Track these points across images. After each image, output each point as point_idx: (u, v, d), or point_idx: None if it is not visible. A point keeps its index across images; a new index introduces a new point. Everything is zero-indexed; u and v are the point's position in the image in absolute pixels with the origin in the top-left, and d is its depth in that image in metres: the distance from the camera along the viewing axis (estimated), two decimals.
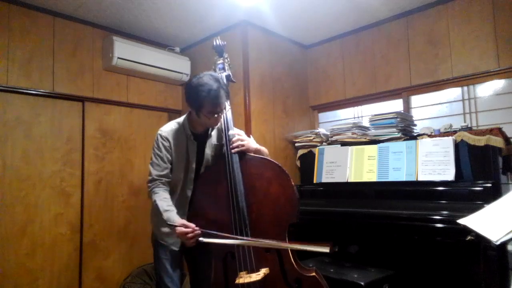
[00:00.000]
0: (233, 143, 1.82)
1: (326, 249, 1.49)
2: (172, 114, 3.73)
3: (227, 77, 1.99)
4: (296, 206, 1.74)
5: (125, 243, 3.25)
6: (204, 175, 1.88)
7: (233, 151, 1.80)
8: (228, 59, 2.06)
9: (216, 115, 1.80)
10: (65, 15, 3.00)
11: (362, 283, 2.10)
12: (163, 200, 1.79)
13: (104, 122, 3.21)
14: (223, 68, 2.01)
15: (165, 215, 1.73)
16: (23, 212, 2.70)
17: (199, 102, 1.75)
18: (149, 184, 1.85)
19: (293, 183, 1.74)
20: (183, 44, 3.75)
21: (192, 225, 1.66)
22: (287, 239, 1.72)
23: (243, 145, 1.82)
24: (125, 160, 3.33)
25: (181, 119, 1.99)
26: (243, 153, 1.81)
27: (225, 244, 1.71)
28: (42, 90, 2.86)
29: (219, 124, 1.93)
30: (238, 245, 1.70)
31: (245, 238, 1.67)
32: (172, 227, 1.67)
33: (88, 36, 3.16)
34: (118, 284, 3.13)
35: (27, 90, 2.79)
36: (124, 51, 3.15)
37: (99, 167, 3.15)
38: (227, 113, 1.90)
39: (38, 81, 2.85)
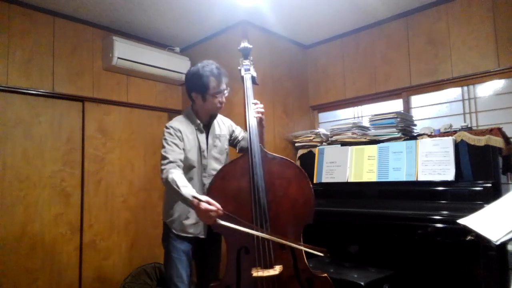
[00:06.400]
0: (257, 108, 1.95)
1: (321, 254, 1.63)
2: (172, 114, 3.72)
3: (253, 78, 2.05)
4: (313, 208, 1.78)
5: (125, 243, 3.25)
6: (227, 168, 1.88)
7: (256, 115, 1.92)
8: (253, 61, 2.11)
9: (220, 94, 1.97)
10: (65, 15, 3.00)
11: (362, 283, 2.09)
12: (181, 177, 1.76)
13: (104, 122, 3.21)
14: (249, 70, 2.06)
15: (184, 191, 1.67)
16: (23, 212, 2.70)
17: (205, 82, 1.91)
18: (164, 167, 1.80)
19: (311, 186, 1.79)
20: (183, 44, 3.75)
21: (216, 204, 1.61)
22: (301, 239, 1.77)
23: (262, 113, 1.96)
24: (125, 160, 3.33)
25: (184, 113, 2.08)
26: (264, 152, 1.84)
27: (237, 237, 1.69)
28: (42, 90, 2.86)
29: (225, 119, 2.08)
30: (256, 241, 1.71)
31: (260, 230, 1.67)
32: (198, 200, 1.60)
33: (88, 36, 3.16)
34: (118, 284, 3.13)
35: (27, 90, 2.79)
36: (124, 51, 3.15)
37: (99, 167, 3.15)
38: (248, 90, 1.99)
39: (38, 81, 2.85)
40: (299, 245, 1.70)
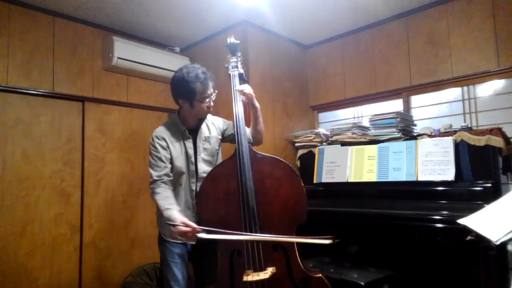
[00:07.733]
0: (243, 89, 1.90)
1: (328, 241, 1.48)
2: (172, 114, 3.71)
3: (240, 75, 2.02)
4: (305, 208, 1.75)
5: (125, 243, 3.25)
6: (215, 171, 1.87)
7: (240, 92, 1.89)
8: (241, 58, 2.07)
9: (208, 99, 1.92)
10: (65, 15, 3.00)
11: (362, 283, 2.10)
12: (164, 199, 1.81)
13: (104, 122, 3.21)
14: (236, 67, 2.02)
15: (166, 213, 1.74)
16: (23, 212, 2.70)
17: (191, 89, 1.86)
18: (151, 186, 1.88)
19: (302, 185, 1.76)
20: (183, 44, 3.75)
21: (192, 224, 1.66)
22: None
23: (251, 94, 1.91)
24: (125, 160, 3.33)
25: (171, 119, 2.07)
26: (253, 152, 1.81)
27: (228, 240, 1.69)
28: (42, 90, 2.86)
29: (210, 116, 2.06)
30: (246, 243, 1.69)
31: (246, 233, 1.66)
32: (172, 225, 1.67)
33: (88, 36, 3.16)
34: (118, 284, 3.13)
35: (27, 90, 2.79)
36: (124, 51, 3.15)
37: (99, 167, 3.14)
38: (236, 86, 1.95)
39: (38, 81, 2.85)
40: (303, 238, 1.63)
